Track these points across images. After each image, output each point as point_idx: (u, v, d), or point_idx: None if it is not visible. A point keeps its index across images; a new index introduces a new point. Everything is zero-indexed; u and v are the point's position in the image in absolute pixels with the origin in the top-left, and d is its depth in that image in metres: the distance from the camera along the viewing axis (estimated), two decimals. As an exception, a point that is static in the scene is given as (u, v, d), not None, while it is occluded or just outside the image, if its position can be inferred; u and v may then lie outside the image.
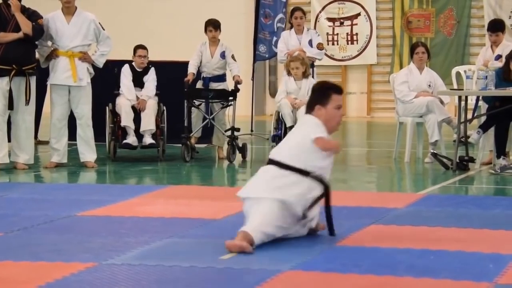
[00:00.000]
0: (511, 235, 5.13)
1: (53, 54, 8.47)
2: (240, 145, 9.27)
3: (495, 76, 8.26)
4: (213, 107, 9.45)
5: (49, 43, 8.54)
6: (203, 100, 9.32)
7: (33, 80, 8.31)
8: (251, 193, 4.76)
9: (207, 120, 9.27)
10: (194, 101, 9.26)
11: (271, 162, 4.84)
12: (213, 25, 9.44)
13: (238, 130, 9.18)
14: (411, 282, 4.01)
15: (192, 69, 9.34)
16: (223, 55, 9.45)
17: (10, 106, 8.19)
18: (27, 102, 8.24)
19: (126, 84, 9.22)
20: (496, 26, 9.29)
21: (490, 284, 3.95)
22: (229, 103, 9.21)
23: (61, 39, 8.42)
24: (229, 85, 9.56)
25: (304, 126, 4.93)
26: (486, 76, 8.22)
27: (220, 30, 9.47)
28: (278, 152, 4.87)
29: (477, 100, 8.97)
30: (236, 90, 9.14)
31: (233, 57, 9.43)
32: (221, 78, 9.59)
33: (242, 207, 4.82)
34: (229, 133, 9.11)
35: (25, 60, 8.20)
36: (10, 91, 8.15)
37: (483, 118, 8.64)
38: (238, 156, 9.23)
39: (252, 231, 4.58)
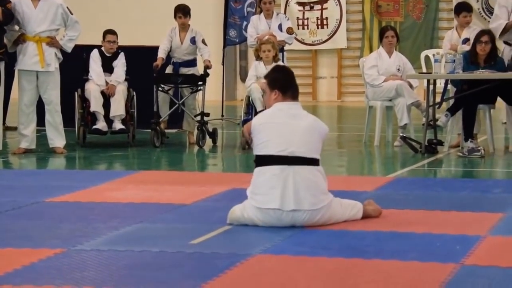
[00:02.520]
0: (478, 216, 5.20)
1: (20, 39, 8.37)
2: (211, 130, 9.26)
3: (462, 59, 8.32)
4: (182, 92, 9.42)
5: (16, 27, 8.44)
6: (172, 85, 9.29)
7: (1, 66, 8.21)
8: (305, 206, 4.74)
9: (177, 105, 9.24)
10: (163, 86, 9.22)
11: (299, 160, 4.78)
12: (182, 12, 9.40)
13: (207, 115, 9.16)
14: (379, 264, 4.05)
15: (161, 54, 9.30)
16: (193, 41, 9.42)
17: (-21, 92, 8.10)
18: (-3, 87, 8.16)
19: (95, 69, 9.15)
20: (464, 7, 9.35)
21: (456, 265, 4.00)
22: (199, 88, 9.19)
23: (28, 24, 8.33)
24: (199, 70, 9.53)
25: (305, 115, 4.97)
26: (454, 60, 8.28)
27: (189, 16, 9.43)
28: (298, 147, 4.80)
29: (446, 83, 9.03)
30: (205, 74, 9.11)
31: (203, 41, 9.39)
32: (192, 63, 9.55)
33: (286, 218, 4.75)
34: (198, 118, 9.09)
35: (-7, 45, 8.11)
36: (-22, 76, 8.06)
37: (452, 101, 8.71)
38: (209, 141, 9.22)
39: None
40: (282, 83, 4.97)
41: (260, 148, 4.85)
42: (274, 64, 8.95)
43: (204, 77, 9.09)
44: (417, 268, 3.98)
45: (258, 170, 4.84)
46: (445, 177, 7.45)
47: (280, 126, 4.85)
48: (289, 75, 5.05)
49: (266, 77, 5.13)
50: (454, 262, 4.05)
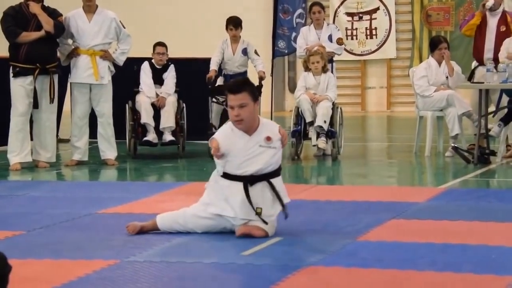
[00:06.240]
0: (534, 228, 5.10)
1: (74, 53, 8.50)
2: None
3: (516, 68, 8.19)
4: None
5: (70, 41, 8.58)
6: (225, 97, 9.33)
7: (56, 79, 8.35)
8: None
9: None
10: (219, 97, 9.27)
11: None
12: (233, 24, 9.44)
13: None
14: (433, 277, 3.99)
15: (214, 66, 9.35)
16: (245, 52, 9.45)
17: (35, 105, 8.23)
18: (52, 100, 8.28)
19: (146, 82, 9.24)
20: None
21: (513, 278, 3.93)
22: (255, 99, 9.22)
23: (82, 37, 8.46)
24: (250, 82, 9.55)
25: None
26: (506, 69, 8.16)
27: (241, 28, 9.47)
28: None
29: (501, 93, 8.88)
30: (260, 86, 9.15)
31: (256, 52, 9.43)
32: (243, 75, 9.58)
33: None
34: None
35: (49, 58, 8.25)
36: (35, 90, 8.19)
37: (505, 111, 8.58)
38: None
39: None
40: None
41: None
42: (323, 75, 8.96)
43: (260, 88, 9.13)
44: (472, 280, 3.92)
45: None
46: (499, 188, 7.33)
47: None
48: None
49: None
50: (511, 274, 3.97)
